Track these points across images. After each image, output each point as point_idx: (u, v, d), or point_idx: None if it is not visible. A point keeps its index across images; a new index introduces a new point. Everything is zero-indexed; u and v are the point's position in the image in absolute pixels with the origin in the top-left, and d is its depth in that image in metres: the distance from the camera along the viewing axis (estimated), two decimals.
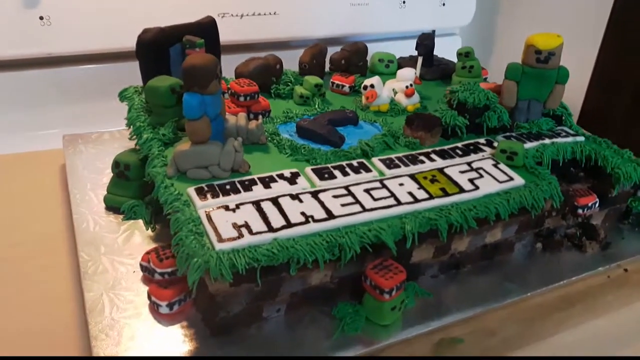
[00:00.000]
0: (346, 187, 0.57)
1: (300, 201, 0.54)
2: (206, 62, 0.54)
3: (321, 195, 0.55)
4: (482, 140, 0.69)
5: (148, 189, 0.63)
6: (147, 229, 0.62)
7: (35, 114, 0.93)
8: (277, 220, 0.51)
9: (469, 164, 0.63)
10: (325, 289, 0.54)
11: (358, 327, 0.52)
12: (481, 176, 0.61)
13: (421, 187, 0.58)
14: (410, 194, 0.57)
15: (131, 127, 0.67)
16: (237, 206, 0.52)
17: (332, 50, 0.87)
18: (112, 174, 0.67)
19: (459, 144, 0.68)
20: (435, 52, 0.91)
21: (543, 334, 0.58)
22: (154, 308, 0.52)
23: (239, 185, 0.55)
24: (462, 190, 0.58)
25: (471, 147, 0.67)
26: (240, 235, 0.48)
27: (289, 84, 0.78)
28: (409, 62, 0.89)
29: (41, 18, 0.84)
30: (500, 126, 0.71)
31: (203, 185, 0.55)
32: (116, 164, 0.65)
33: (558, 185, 0.61)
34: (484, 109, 0.69)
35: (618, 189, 0.67)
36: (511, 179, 0.61)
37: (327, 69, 0.86)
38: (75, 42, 0.89)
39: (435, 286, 0.59)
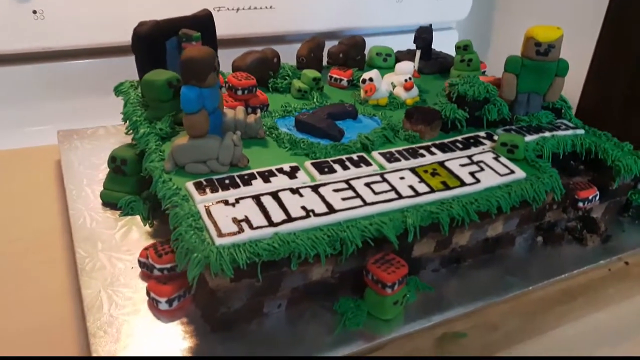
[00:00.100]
0: (346, 181, 0.56)
1: (301, 195, 0.53)
2: (204, 54, 0.54)
3: (321, 190, 0.55)
4: (482, 134, 0.68)
5: (145, 184, 0.63)
6: (145, 225, 0.62)
7: (29, 110, 0.92)
8: (277, 215, 0.50)
9: (469, 157, 0.63)
10: (326, 283, 0.53)
11: (360, 322, 0.52)
12: (482, 169, 0.60)
13: (422, 180, 0.58)
14: (411, 187, 0.56)
15: (127, 121, 0.67)
16: (237, 201, 0.51)
17: (328, 45, 0.87)
18: (108, 170, 0.66)
19: (459, 137, 0.67)
20: (432, 46, 0.90)
21: (545, 327, 0.58)
22: (153, 304, 0.51)
23: (238, 180, 0.55)
24: (463, 183, 0.58)
25: (471, 141, 0.67)
26: (241, 230, 0.48)
27: (287, 77, 0.77)
28: (407, 55, 0.89)
29: (34, 12, 0.83)
30: (500, 119, 0.70)
31: (202, 179, 0.54)
32: (113, 159, 0.64)
33: (559, 178, 0.61)
34: (483, 102, 0.69)
35: (618, 181, 0.67)
36: (512, 172, 0.60)
37: (324, 62, 0.85)
38: (70, 37, 0.87)
39: (436, 280, 0.59)
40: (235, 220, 0.49)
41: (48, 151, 0.80)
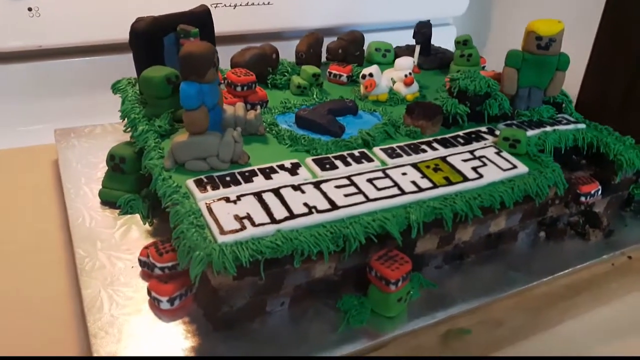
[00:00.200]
0: (348, 177, 0.56)
1: (303, 192, 0.53)
2: (204, 49, 0.53)
3: (323, 186, 0.54)
4: (483, 129, 0.68)
5: (144, 182, 0.62)
6: (145, 224, 0.61)
7: (24, 109, 0.91)
8: (279, 212, 0.50)
9: (471, 152, 0.62)
10: (329, 281, 0.53)
11: (363, 320, 0.51)
12: (484, 164, 0.60)
13: (424, 176, 0.57)
14: (414, 183, 0.56)
15: (125, 119, 0.66)
16: (238, 198, 0.51)
17: (327, 41, 0.86)
18: (106, 168, 0.65)
19: (461, 133, 0.67)
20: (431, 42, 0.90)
21: (549, 323, 0.58)
22: (154, 304, 0.50)
23: (239, 177, 0.54)
24: (465, 178, 0.57)
25: (473, 136, 0.66)
26: (243, 227, 0.47)
27: (286, 74, 0.77)
28: (406, 51, 0.88)
29: (30, 9, 0.82)
30: (502, 114, 0.70)
31: (202, 177, 0.54)
32: (111, 157, 0.64)
33: (562, 172, 0.61)
34: (484, 96, 0.68)
35: (621, 175, 0.66)
36: (515, 166, 0.60)
37: (323, 58, 0.84)
38: (66, 34, 0.87)
39: (439, 277, 0.58)
40: (237, 218, 0.48)
41: (45, 150, 0.80)
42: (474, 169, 0.59)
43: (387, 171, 0.57)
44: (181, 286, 0.50)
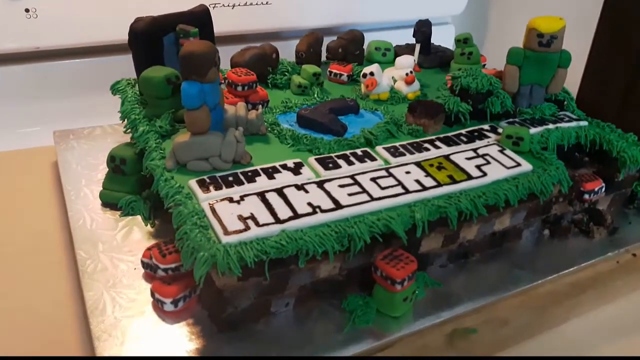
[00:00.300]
0: (352, 177, 0.55)
1: (306, 191, 0.52)
2: (205, 49, 0.53)
3: (327, 185, 0.54)
4: (486, 127, 0.68)
5: (145, 183, 0.62)
6: (146, 225, 0.60)
7: (22, 111, 0.90)
8: (283, 212, 0.49)
9: (474, 150, 0.62)
10: (334, 281, 0.52)
11: (369, 320, 0.51)
12: (488, 162, 0.60)
13: (428, 174, 0.57)
14: (418, 181, 0.55)
15: (125, 120, 0.65)
16: (242, 198, 0.50)
17: (325, 41, 0.85)
18: (107, 170, 0.65)
19: (463, 131, 0.66)
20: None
21: (555, 321, 0.57)
22: (157, 306, 0.50)
23: (242, 177, 0.54)
24: (469, 177, 0.57)
25: (475, 134, 0.66)
26: (247, 228, 0.47)
27: (286, 73, 0.76)
28: (406, 50, 0.88)
29: (27, 10, 0.81)
30: (504, 112, 0.69)
31: (205, 177, 0.53)
32: (112, 159, 0.63)
33: (565, 170, 0.60)
34: (487, 94, 0.68)
35: (624, 172, 0.66)
36: (518, 164, 0.60)
37: (323, 58, 0.84)
38: (63, 35, 0.86)
39: (444, 276, 0.58)
40: (241, 218, 0.48)
41: (43, 152, 0.79)
42: (478, 167, 0.59)
43: (391, 170, 0.57)
44: (185, 287, 0.50)
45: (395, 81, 0.76)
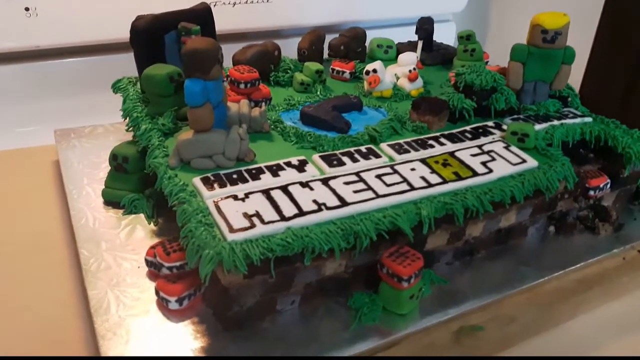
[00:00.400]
0: (357, 174, 0.55)
1: (311, 189, 0.52)
2: (208, 46, 0.52)
3: (332, 183, 0.53)
4: (490, 123, 0.67)
5: (148, 181, 0.61)
6: (149, 223, 0.60)
7: (22, 110, 0.90)
8: (289, 209, 0.49)
9: (479, 147, 0.61)
10: (340, 279, 0.52)
11: (375, 317, 0.51)
12: (493, 159, 0.59)
13: (434, 171, 0.56)
14: (423, 178, 0.55)
15: (127, 118, 0.65)
16: (246, 195, 0.50)
17: (327, 38, 0.85)
18: (109, 168, 0.64)
19: (467, 128, 0.66)
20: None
21: (562, 318, 0.57)
22: (162, 304, 0.50)
23: (246, 174, 0.53)
24: (475, 173, 0.57)
25: (480, 130, 0.65)
26: (252, 225, 0.46)
27: (289, 71, 0.76)
28: (408, 47, 0.87)
29: (27, 9, 0.81)
30: (508, 109, 0.69)
31: (209, 174, 0.53)
32: (114, 157, 0.63)
33: (571, 166, 0.60)
34: (491, 91, 0.68)
35: (629, 168, 0.66)
36: (524, 161, 0.59)
37: (325, 55, 0.84)
38: (63, 34, 0.86)
39: (450, 273, 0.57)
40: (246, 215, 0.47)
41: (44, 151, 0.79)
42: (483, 163, 0.58)
43: (396, 167, 0.57)
44: (190, 286, 0.49)
45: (398, 78, 0.75)
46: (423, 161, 0.58)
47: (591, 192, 0.64)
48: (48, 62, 0.89)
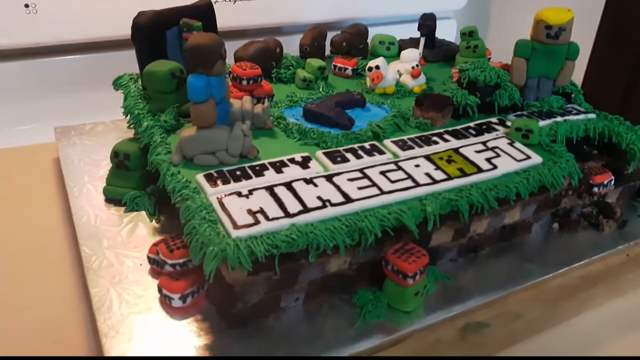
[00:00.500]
0: (361, 170, 0.54)
1: (315, 185, 0.51)
2: (211, 41, 0.52)
3: (336, 179, 0.53)
4: (494, 120, 0.67)
5: (150, 178, 0.61)
6: (151, 221, 0.60)
7: (21, 107, 0.89)
8: (293, 206, 0.48)
9: (484, 143, 0.61)
10: (344, 276, 0.52)
11: (380, 314, 0.50)
12: (498, 155, 0.59)
13: (438, 167, 0.56)
14: (428, 175, 0.55)
15: (129, 115, 0.64)
16: (250, 192, 0.50)
17: (329, 35, 0.85)
18: (110, 165, 0.64)
19: (471, 124, 0.66)
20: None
21: (566, 315, 0.57)
22: (165, 302, 0.49)
23: (249, 171, 0.53)
24: (480, 170, 0.56)
25: (484, 127, 0.65)
26: (257, 222, 0.46)
27: (291, 67, 0.75)
28: (410, 44, 0.87)
29: (26, 6, 0.81)
30: (511, 105, 0.69)
31: (212, 171, 0.52)
32: (115, 154, 0.62)
33: (575, 162, 0.60)
34: (494, 87, 0.67)
35: (634, 165, 0.65)
36: (528, 157, 0.59)
37: (327, 52, 0.83)
38: (63, 31, 0.85)
39: (454, 270, 0.57)
40: (250, 212, 0.47)
41: (44, 149, 0.78)
42: (488, 160, 0.58)
43: (400, 163, 0.56)
44: (193, 283, 0.49)
45: (400, 75, 0.75)
46: (427, 157, 0.58)
47: (595, 189, 0.64)
48: (48, 60, 0.88)
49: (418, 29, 0.83)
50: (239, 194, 0.49)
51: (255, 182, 0.51)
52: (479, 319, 0.53)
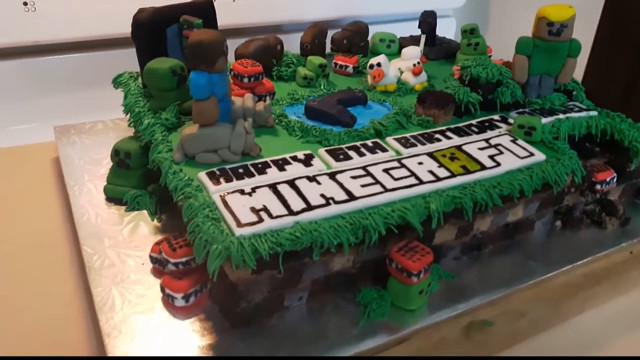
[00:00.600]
0: (364, 168, 0.54)
1: (318, 183, 0.51)
2: (213, 38, 0.51)
3: (339, 177, 0.52)
4: (496, 117, 0.67)
5: (151, 177, 0.61)
6: (153, 220, 0.59)
7: (19, 106, 0.89)
8: (296, 203, 0.48)
9: (486, 140, 0.61)
10: (347, 274, 0.51)
11: (384, 313, 0.50)
12: (501, 152, 0.59)
13: (441, 165, 0.56)
14: (431, 172, 0.54)
15: (129, 113, 0.64)
16: (253, 190, 0.49)
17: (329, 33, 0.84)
18: (110, 164, 0.63)
19: (474, 121, 0.65)
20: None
21: (570, 313, 0.57)
22: (168, 301, 0.49)
23: (252, 169, 0.52)
24: (483, 167, 0.56)
25: (486, 124, 0.65)
26: (260, 220, 0.45)
27: (291, 65, 0.75)
28: (411, 41, 0.86)
29: (25, 4, 0.80)
30: (513, 102, 0.68)
31: (214, 169, 0.52)
32: (116, 152, 0.62)
33: (579, 159, 0.60)
34: (496, 84, 0.67)
35: (636, 162, 0.65)
36: (532, 154, 0.59)
37: (327, 49, 0.83)
38: (62, 29, 0.84)
39: (458, 268, 0.57)
40: (254, 210, 0.46)
41: (43, 148, 0.78)
42: (491, 157, 0.58)
43: (403, 161, 0.56)
44: (196, 282, 0.48)
45: (401, 72, 0.74)
46: (430, 155, 0.57)
47: (598, 186, 0.64)
48: (47, 58, 0.88)
49: (419, 27, 0.83)
50: (242, 192, 0.49)
51: (258, 179, 0.51)
52: (483, 317, 0.53)
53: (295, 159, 0.55)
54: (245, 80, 0.65)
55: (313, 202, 0.48)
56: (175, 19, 0.65)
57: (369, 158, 0.56)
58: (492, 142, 0.61)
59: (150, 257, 0.52)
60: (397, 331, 0.49)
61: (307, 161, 0.55)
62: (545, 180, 0.57)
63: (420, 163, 0.56)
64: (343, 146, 0.58)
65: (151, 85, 0.62)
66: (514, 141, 0.61)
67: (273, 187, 0.50)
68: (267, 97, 0.65)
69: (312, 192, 0.50)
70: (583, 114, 0.69)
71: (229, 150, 0.53)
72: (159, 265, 0.51)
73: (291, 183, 0.51)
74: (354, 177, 0.52)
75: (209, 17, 0.69)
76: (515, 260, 0.59)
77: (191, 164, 0.53)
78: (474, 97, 0.66)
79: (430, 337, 0.50)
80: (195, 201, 0.47)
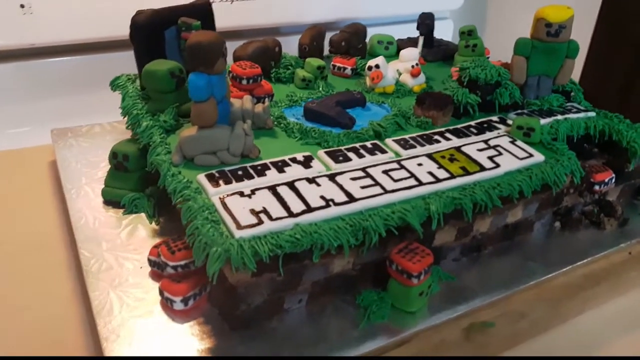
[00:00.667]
0: (363, 169, 0.54)
1: (318, 185, 0.51)
2: (212, 39, 0.51)
3: (339, 178, 0.52)
4: (495, 118, 0.67)
5: (149, 180, 0.60)
6: (151, 223, 0.59)
7: (18, 110, 0.88)
8: (296, 205, 0.48)
9: (485, 141, 0.61)
10: (347, 276, 0.51)
11: (385, 315, 0.50)
12: (500, 153, 0.59)
13: (441, 166, 0.55)
14: (431, 173, 0.54)
15: (127, 116, 0.63)
16: (253, 192, 0.49)
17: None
18: (107, 167, 0.63)
19: (472, 123, 0.65)
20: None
21: (570, 313, 0.57)
22: (166, 305, 0.48)
23: (251, 171, 0.52)
24: (483, 168, 0.56)
25: (485, 125, 0.65)
26: (260, 222, 0.45)
27: (290, 67, 0.75)
28: (409, 43, 0.87)
29: (22, 6, 0.80)
30: (512, 103, 0.68)
31: (213, 171, 0.52)
32: (114, 155, 0.61)
33: (577, 160, 0.60)
34: (495, 85, 0.67)
35: (634, 163, 0.65)
36: (531, 155, 0.59)
37: (326, 51, 0.83)
38: (59, 32, 0.84)
39: (457, 270, 0.57)
40: (253, 212, 0.46)
41: (40, 151, 0.77)
42: (490, 158, 0.57)
43: (402, 162, 0.56)
44: (195, 285, 0.48)
45: (400, 74, 0.74)
46: (429, 156, 0.57)
47: (596, 187, 0.64)
48: (44, 61, 0.87)
49: (417, 28, 0.83)
50: (242, 194, 0.48)
51: (258, 181, 0.51)
52: (484, 318, 0.53)
53: (294, 160, 0.55)
54: (244, 82, 0.65)
55: (313, 204, 0.48)
56: (174, 21, 0.65)
57: (369, 159, 0.56)
58: (491, 143, 0.61)
59: (149, 260, 0.52)
60: (398, 333, 0.49)
61: (306, 163, 0.54)
62: (545, 181, 0.57)
63: (419, 164, 0.56)
64: (342, 148, 0.58)
65: (149, 87, 0.62)
66: (512, 142, 0.61)
67: (272, 189, 0.50)
68: (266, 99, 0.65)
69: (312, 194, 0.49)
70: (581, 114, 0.69)
71: (228, 152, 0.53)
72: (157, 269, 0.51)
73: (291, 185, 0.50)
74: (353, 179, 0.52)
75: (207, 19, 0.69)
76: (515, 261, 0.59)
77: (190, 166, 0.53)
78: (472, 99, 0.66)
79: (431, 339, 0.50)
80: (195, 203, 0.47)
